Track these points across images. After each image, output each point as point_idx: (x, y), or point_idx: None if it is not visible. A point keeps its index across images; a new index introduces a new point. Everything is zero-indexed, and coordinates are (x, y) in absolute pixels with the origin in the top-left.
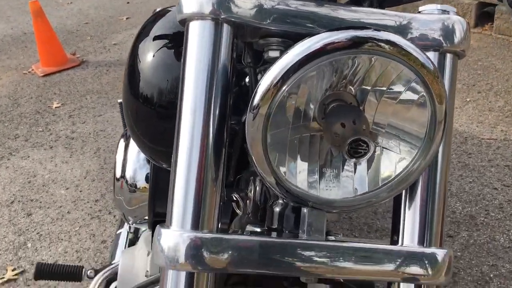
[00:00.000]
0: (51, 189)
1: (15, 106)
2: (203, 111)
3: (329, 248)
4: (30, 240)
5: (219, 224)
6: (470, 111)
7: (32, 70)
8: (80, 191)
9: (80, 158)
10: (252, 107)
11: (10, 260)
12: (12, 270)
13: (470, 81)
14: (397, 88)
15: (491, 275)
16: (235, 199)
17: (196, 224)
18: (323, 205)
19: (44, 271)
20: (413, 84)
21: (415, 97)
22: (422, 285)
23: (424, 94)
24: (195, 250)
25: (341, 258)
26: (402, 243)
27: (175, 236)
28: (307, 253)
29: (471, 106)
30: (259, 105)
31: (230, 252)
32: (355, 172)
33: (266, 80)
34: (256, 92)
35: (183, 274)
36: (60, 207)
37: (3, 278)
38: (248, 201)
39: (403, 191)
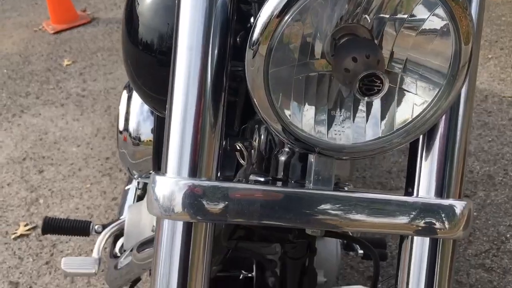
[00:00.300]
0: (63, 146)
1: (26, 64)
2: (201, 50)
3: (337, 198)
4: (42, 197)
5: (219, 173)
6: (491, 68)
7: (43, 27)
8: (91, 149)
9: (91, 116)
10: (252, 43)
11: (23, 216)
12: (25, 226)
13: (493, 37)
14: (420, 15)
15: (508, 235)
16: (238, 148)
17: (194, 171)
18: (331, 152)
19: (51, 225)
20: (437, 11)
21: (438, 25)
22: (438, 239)
23: (449, 25)
24: (192, 199)
25: (350, 210)
26: (418, 195)
27: (171, 184)
28: (313, 204)
29: (492, 63)
30: (259, 40)
31: (230, 201)
32: (367, 115)
33: (267, 10)
34: (255, 25)
35: (179, 225)
36: (72, 164)
37: (15, 233)
38: (252, 151)
39: (420, 138)
